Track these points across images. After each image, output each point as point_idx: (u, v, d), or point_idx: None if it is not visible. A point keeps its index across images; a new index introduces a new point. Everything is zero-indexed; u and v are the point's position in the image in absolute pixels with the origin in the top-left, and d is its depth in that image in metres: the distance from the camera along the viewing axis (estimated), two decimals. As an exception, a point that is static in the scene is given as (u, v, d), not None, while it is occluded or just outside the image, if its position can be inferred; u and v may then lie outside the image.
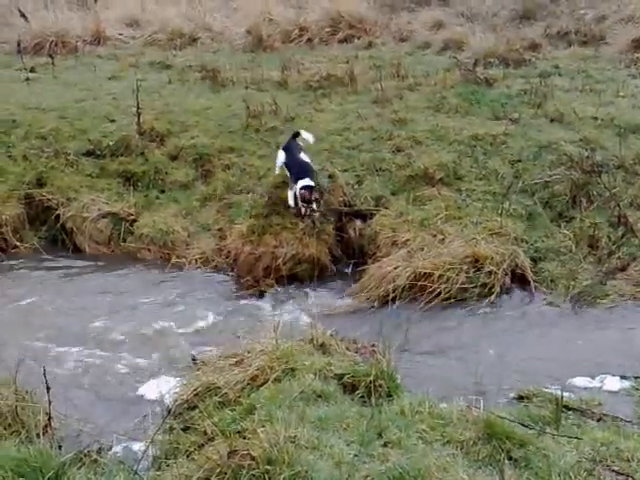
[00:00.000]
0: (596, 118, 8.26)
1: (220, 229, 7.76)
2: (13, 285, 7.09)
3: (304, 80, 9.76)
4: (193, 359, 5.43)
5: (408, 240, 6.72)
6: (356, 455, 3.70)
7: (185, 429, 4.55)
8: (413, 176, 7.46)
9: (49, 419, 4.32)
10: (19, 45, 11.28)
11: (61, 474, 3.30)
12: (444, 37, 11.70)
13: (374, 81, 9.43)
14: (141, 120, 8.68)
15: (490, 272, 6.33)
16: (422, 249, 6.54)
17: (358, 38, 12.01)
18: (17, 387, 4.55)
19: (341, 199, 7.45)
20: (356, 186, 7.59)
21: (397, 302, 6.11)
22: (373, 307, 6.36)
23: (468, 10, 13.37)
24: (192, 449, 4.11)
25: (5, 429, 4.06)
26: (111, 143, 8.57)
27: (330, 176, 7.59)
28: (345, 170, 7.76)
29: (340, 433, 3.94)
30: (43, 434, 4.16)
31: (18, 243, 7.71)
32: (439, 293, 6.21)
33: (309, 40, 12.01)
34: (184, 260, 7.47)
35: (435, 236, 6.70)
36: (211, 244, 7.60)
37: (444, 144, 7.99)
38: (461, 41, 11.37)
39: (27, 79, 10.35)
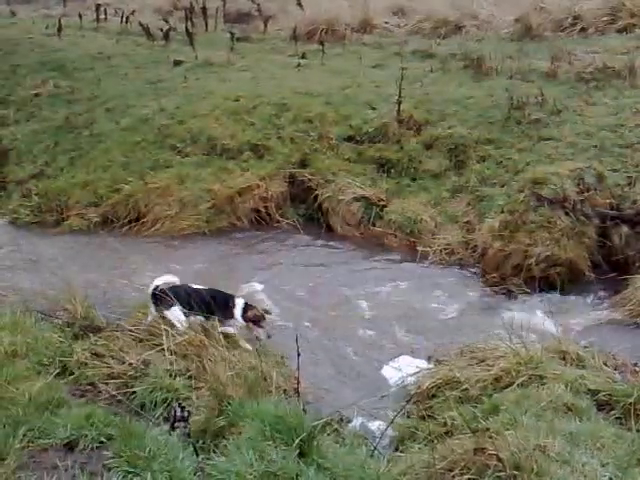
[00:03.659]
0: None
1: (468, 222, 7.61)
2: (274, 256, 7.64)
3: (575, 71, 9.13)
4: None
5: (685, 254, 5.97)
6: (612, 479, 3.39)
7: (423, 417, 4.55)
8: (700, 182, 6.60)
9: (297, 384, 4.56)
10: (294, 32, 12.07)
11: (312, 438, 3.46)
12: None
13: (657, 75, 8.52)
14: (401, 108, 8.80)
15: None
16: None
17: (640, 28, 10.92)
18: (274, 351, 4.92)
19: (608, 201, 6.85)
20: (626, 188, 6.92)
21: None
22: (637, 323, 5.77)
23: None
24: (431, 438, 4.08)
25: (262, 387, 4.36)
26: (370, 130, 8.83)
27: (597, 175, 7.00)
28: (615, 170, 7.12)
29: (593, 452, 3.63)
30: (291, 397, 4.43)
31: (280, 218, 8.30)
32: None
33: (583, 29, 11.21)
34: (429, 249, 7.45)
35: None
36: (458, 236, 7.49)
37: None
38: None
39: (298, 65, 11.03)
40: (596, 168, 7.11)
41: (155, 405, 4.05)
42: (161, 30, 12.40)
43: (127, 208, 8.32)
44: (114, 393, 4.07)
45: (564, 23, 11.39)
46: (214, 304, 5.16)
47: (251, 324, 5.25)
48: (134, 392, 4.12)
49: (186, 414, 3.23)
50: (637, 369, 4.74)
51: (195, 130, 9.14)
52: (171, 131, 9.22)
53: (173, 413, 3.41)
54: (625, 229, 6.74)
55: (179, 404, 3.51)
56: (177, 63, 11.28)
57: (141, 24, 12.76)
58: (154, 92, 10.16)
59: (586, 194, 6.82)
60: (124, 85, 10.67)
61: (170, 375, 4.28)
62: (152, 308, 5.09)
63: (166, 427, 3.56)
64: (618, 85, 8.71)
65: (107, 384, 4.15)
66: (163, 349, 4.48)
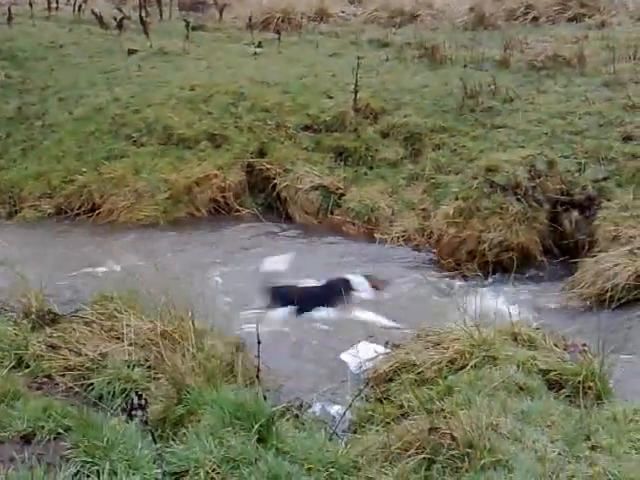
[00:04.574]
0: None
1: (424, 209, 7.74)
2: (234, 246, 7.63)
3: (527, 60, 9.35)
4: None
5: (632, 237, 6.18)
6: (560, 454, 3.52)
7: (380, 400, 4.64)
8: (643, 167, 6.82)
9: (258, 371, 4.60)
10: (250, 20, 12.00)
11: (271, 423, 3.52)
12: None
13: (606, 63, 8.77)
14: (357, 97, 8.86)
15: None
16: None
17: (590, 17, 11.22)
18: (233, 340, 4.93)
19: (558, 187, 7.04)
20: (577, 174, 7.13)
21: (615, 303, 5.66)
22: (586, 305, 5.96)
23: None
24: (388, 420, 4.17)
25: (222, 376, 4.38)
26: (328, 119, 8.88)
27: (548, 162, 7.18)
28: (565, 156, 7.32)
29: (543, 429, 3.77)
30: (251, 384, 4.46)
31: (239, 208, 8.30)
32: (665, 298, 5.65)
33: (535, 18, 11.45)
34: (386, 237, 7.56)
35: (665, 235, 6.09)
36: (414, 223, 7.61)
37: (683, 135, 7.20)
38: None
39: (255, 54, 10.99)
40: (547, 155, 7.27)
41: (113, 396, 4.04)
42: (115, 19, 12.19)
43: (81, 199, 8.21)
44: (71, 385, 4.05)
45: (517, 12, 11.61)
46: None
47: None
48: (91, 384, 4.10)
49: (143, 402, 3.25)
50: (586, 349, 4.88)
51: (151, 119, 9.04)
52: (126, 121, 9.10)
53: (130, 401, 3.42)
54: (575, 214, 6.95)
55: (136, 392, 3.52)
56: (131, 52, 11.11)
57: (94, 12, 12.52)
58: (108, 81, 10.01)
59: (537, 180, 6.98)
60: (77, 74, 10.47)
61: (128, 366, 4.27)
62: None
63: (124, 417, 3.57)
64: (568, 73, 8.93)
65: (64, 376, 4.12)
66: (120, 340, 4.47)
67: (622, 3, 11.59)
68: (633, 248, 6.05)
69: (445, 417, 3.60)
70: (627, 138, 7.38)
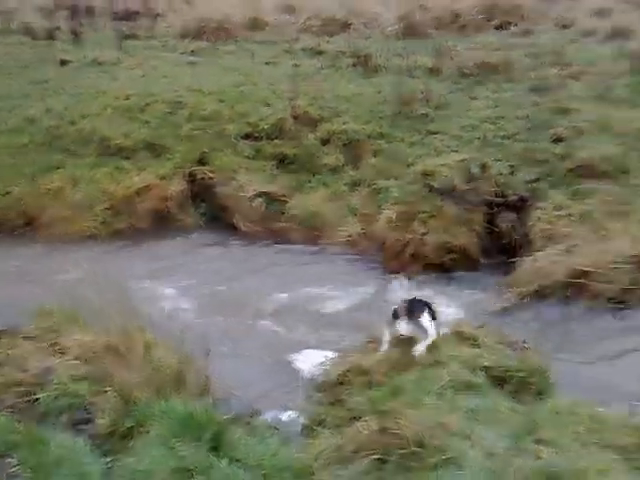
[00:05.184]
0: None
1: (367, 214, 7.82)
2: (178, 256, 7.56)
3: (457, 67, 9.59)
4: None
5: (567, 235, 6.42)
6: (507, 449, 3.61)
7: (332, 403, 4.67)
8: (573, 168, 7.08)
9: (207, 380, 4.56)
10: (184, 29, 11.92)
11: (221, 432, 3.50)
12: (610, 25, 11.06)
13: (532, 69, 9.10)
14: (295, 105, 8.90)
15: (659, 274, 5.88)
16: (581, 245, 6.21)
17: (515, 25, 11.63)
18: (181, 351, 4.87)
19: (492, 189, 7.25)
20: (509, 176, 7.36)
21: (552, 299, 5.86)
22: (525, 302, 6.13)
23: (638, -4, 12.51)
24: (339, 422, 4.20)
25: (171, 387, 4.32)
26: (267, 127, 8.87)
27: (482, 165, 7.40)
28: (498, 160, 7.55)
29: (491, 426, 3.86)
30: (201, 395, 4.42)
31: (182, 217, 8.19)
32: (599, 293, 5.86)
33: (462, 27, 11.78)
34: (331, 242, 7.61)
35: (596, 232, 6.34)
36: (358, 228, 7.69)
37: (609, 136, 7.53)
38: (629, 29, 10.68)
39: (190, 62, 10.91)
40: (480, 159, 7.49)
41: (60, 412, 3.94)
42: (46, 29, 11.90)
43: (17, 212, 7.98)
44: (16, 401, 3.92)
45: (445, 21, 11.91)
46: None
47: None
48: (37, 399, 3.99)
49: (90, 416, 3.19)
50: (526, 346, 5.04)
51: (87, 130, 8.86)
52: (61, 132, 8.90)
53: (77, 416, 3.35)
54: (510, 215, 7.16)
55: (83, 407, 3.45)
56: (64, 62, 10.87)
57: (24, 23, 12.20)
58: (41, 92, 9.77)
59: (472, 183, 7.19)
60: (9, 85, 10.18)
61: (74, 381, 4.16)
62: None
63: (72, 433, 3.49)
64: (497, 80, 9.23)
65: (8, 392, 3.99)
66: (65, 354, 4.36)
67: (544, 12, 12.05)
68: (568, 246, 6.28)
69: (395, 417, 3.66)
70: (557, 140, 7.67)
